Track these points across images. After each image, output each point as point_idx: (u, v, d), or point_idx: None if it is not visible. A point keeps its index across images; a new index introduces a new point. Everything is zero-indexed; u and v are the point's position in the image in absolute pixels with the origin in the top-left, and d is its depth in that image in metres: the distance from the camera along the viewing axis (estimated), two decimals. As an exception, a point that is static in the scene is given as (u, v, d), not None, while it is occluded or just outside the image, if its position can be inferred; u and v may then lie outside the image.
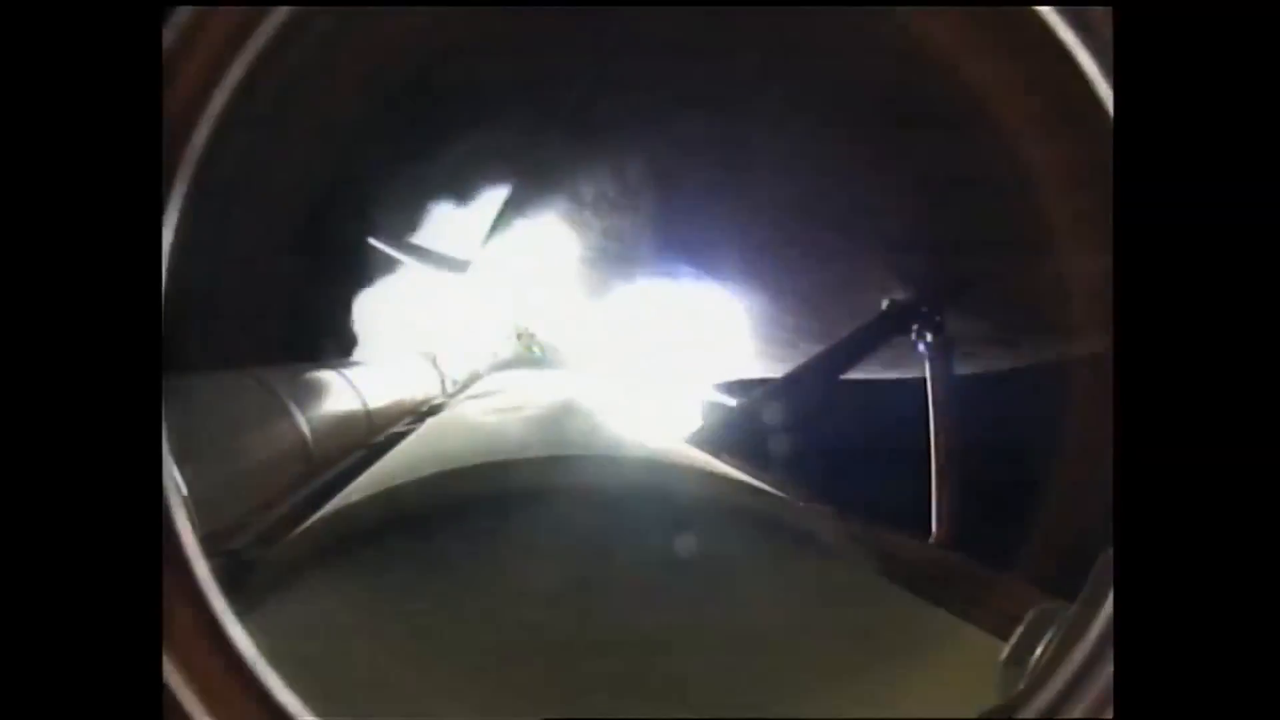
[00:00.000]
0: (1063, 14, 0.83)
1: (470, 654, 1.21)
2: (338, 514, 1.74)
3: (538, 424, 2.85)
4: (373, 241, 6.91)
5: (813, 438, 4.69)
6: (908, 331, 4.63)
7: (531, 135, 5.46)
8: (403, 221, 6.91)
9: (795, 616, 1.39)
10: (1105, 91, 0.82)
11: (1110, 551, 0.80)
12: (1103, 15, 0.82)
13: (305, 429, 4.08)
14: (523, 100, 5.03)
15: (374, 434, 4.44)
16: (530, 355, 8.19)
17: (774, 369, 5.69)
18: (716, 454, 2.84)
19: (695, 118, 4.46)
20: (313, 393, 4.57)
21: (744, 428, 4.77)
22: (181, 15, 0.76)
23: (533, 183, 6.21)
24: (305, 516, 1.98)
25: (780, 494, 1.99)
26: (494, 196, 6.87)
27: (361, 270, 6.91)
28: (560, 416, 3.10)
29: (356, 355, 6.60)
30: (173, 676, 0.73)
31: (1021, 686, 0.92)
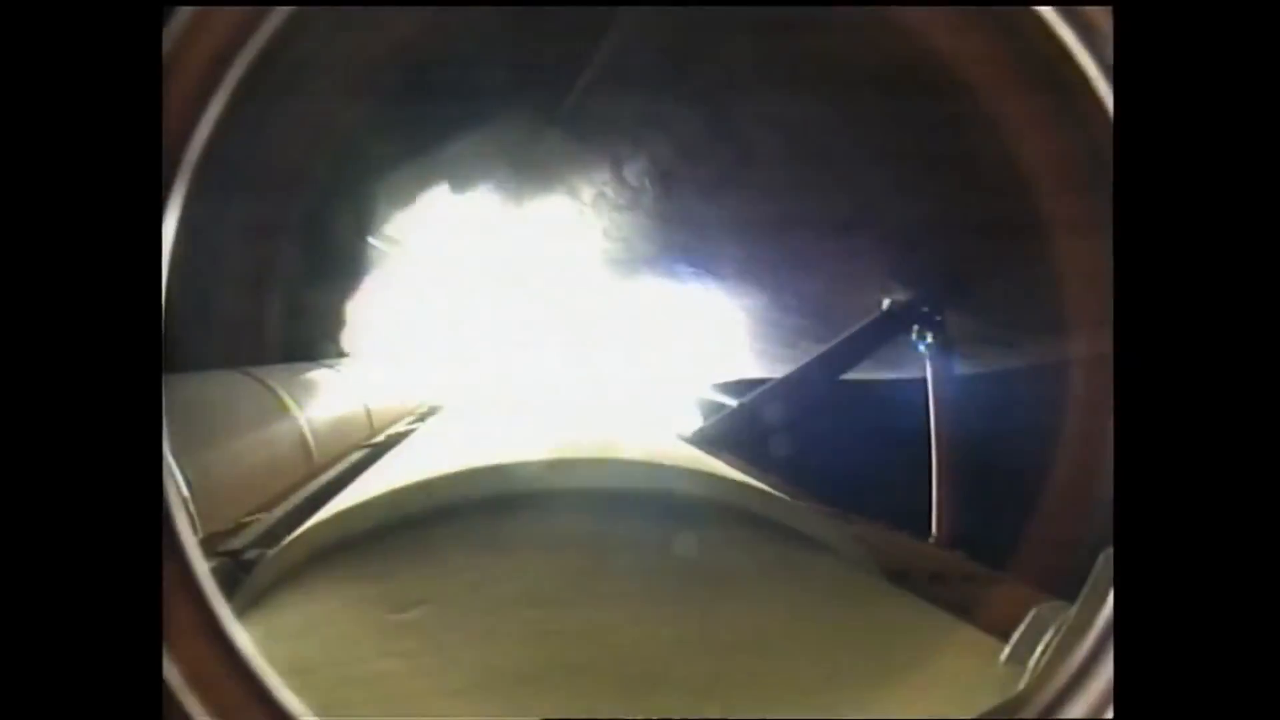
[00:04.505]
0: (1063, 14, 0.83)
1: (470, 656, 1.21)
2: (338, 515, 1.74)
3: (537, 425, 2.85)
4: (373, 241, 6.91)
5: (813, 438, 4.69)
6: (908, 331, 4.63)
7: (531, 134, 5.46)
8: (402, 221, 6.92)
9: (795, 617, 1.39)
10: (1105, 91, 0.82)
11: (1110, 551, 0.80)
12: (1103, 15, 0.82)
13: (305, 429, 4.08)
14: (523, 100, 5.03)
15: (374, 434, 4.44)
16: (530, 355, 8.19)
17: (774, 369, 5.69)
18: (716, 454, 2.84)
19: (695, 118, 4.46)
20: (313, 393, 4.57)
21: (744, 428, 4.78)
22: (181, 15, 0.76)
23: (532, 182, 6.21)
24: (305, 517, 1.98)
25: (780, 494, 1.99)
26: (493, 196, 6.87)
27: (361, 270, 6.91)
28: (560, 417, 3.10)
29: (356, 355, 6.60)
30: (173, 676, 0.72)
31: (1021, 686, 0.92)
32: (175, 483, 0.76)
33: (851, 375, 4.91)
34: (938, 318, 4.59)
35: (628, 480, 1.77)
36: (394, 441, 3.58)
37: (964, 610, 1.52)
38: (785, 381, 4.98)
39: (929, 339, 4.59)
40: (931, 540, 4.17)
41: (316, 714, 0.77)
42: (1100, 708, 0.79)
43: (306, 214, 5.38)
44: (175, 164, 0.76)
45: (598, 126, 5.06)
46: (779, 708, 1.10)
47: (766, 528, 1.73)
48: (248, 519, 2.45)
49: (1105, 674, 0.80)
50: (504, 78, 4.67)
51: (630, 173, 5.25)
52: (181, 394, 3.34)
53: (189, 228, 0.78)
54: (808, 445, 4.55)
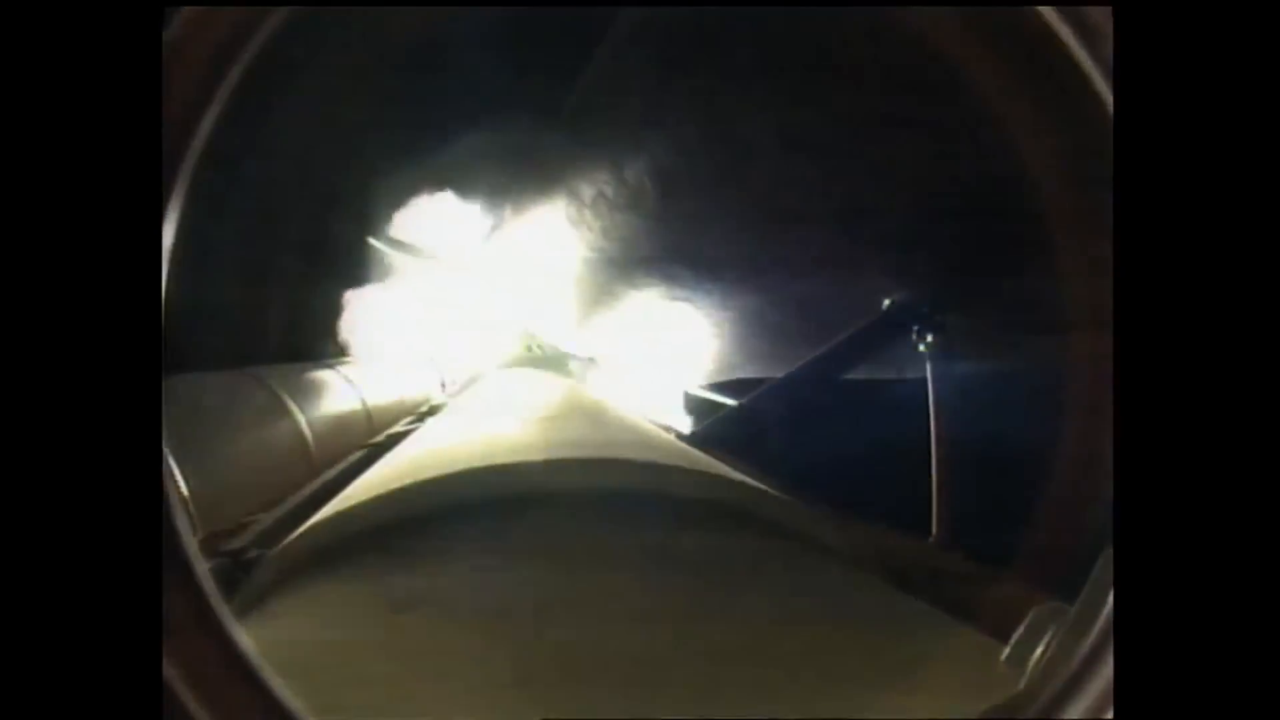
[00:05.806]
0: (1063, 14, 0.83)
1: (470, 656, 1.21)
2: (337, 515, 1.74)
3: (537, 425, 2.85)
4: (372, 241, 6.91)
5: (813, 438, 4.69)
6: (908, 331, 4.63)
7: (531, 135, 5.47)
8: (403, 221, 6.92)
9: (795, 617, 1.39)
10: (1105, 91, 0.82)
11: (1110, 551, 0.80)
12: (1103, 15, 0.82)
13: (305, 429, 4.08)
14: (523, 100, 5.03)
15: (374, 434, 4.44)
16: (530, 355, 8.19)
17: (774, 369, 5.69)
18: (716, 454, 2.84)
19: (695, 118, 4.46)
20: (313, 393, 4.57)
21: (744, 428, 4.78)
22: (181, 15, 0.76)
23: (532, 183, 6.22)
24: (305, 517, 1.98)
25: (780, 495, 1.99)
26: (494, 196, 6.88)
27: (361, 270, 6.92)
28: (560, 418, 3.10)
29: (356, 355, 6.60)
30: (173, 676, 0.72)
31: (1021, 686, 0.92)
32: (175, 483, 0.76)
33: (851, 375, 4.91)
34: (938, 318, 4.59)
35: (628, 480, 1.77)
36: (394, 441, 3.58)
37: (964, 610, 1.52)
38: (785, 381, 4.99)
39: (929, 339, 4.58)
40: (931, 540, 4.17)
41: (316, 714, 0.77)
42: (1100, 708, 0.79)
43: (307, 214, 5.38)
44: (175, 163, 0.75)
45: (598, 126, 5.06)
46: (779, 708, 1.10)
47: (766, 528, 1.73)
48: (248, 519, 2.46)
49: (1105, 674, 0.80)
50: (504, 78, 4.67)
51: (630, 173, 5.25)
52: (181, 394, 3.34)
53: (189, 227, 0.78)
54: (808, 445, 4.55)
